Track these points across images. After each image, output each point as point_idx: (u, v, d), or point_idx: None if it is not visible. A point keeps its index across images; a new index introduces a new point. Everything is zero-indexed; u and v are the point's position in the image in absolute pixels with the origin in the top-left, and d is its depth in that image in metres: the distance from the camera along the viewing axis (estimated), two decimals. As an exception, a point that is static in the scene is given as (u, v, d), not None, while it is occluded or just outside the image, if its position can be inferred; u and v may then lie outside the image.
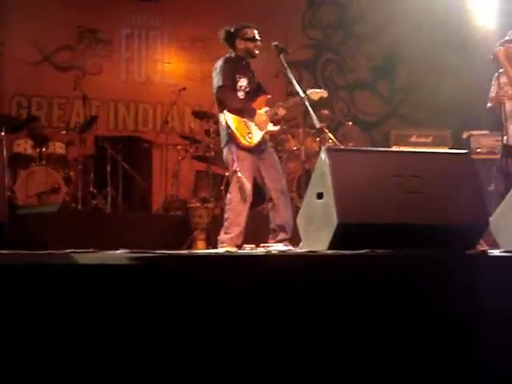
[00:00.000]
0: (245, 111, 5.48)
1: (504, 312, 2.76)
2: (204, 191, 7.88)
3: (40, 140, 8.13)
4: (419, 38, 10.34)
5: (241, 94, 5.53)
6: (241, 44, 5.63)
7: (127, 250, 2.68)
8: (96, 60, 9.84)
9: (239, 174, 5.34)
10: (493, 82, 6.20)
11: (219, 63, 5.54)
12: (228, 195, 5.53)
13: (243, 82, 5.55)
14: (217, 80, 5.47)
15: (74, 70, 9.57)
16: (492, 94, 6.22)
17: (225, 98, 5.44)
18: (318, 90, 5.67)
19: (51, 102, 9.66)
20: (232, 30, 5.66)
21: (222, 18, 8.64)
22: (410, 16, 9.88)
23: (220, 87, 5.43)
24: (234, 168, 5.35)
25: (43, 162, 7.86)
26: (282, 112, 5.64)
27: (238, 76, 5.53)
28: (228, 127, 5.39)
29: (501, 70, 6.12)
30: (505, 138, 6.02)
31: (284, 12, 10.14)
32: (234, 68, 5.54)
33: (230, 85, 5.47)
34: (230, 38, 5.65)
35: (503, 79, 6.11)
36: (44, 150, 8.00)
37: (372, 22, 10.61)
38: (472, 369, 2.71)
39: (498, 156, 6.16)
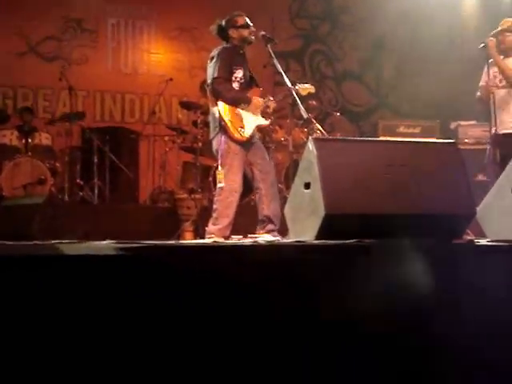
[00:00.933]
0: (241, 100, 5.46)
1: (489, 301, 2.77)
2: (191, 182, 7.87)
3: (27, 131, 8.08)
4: (406, 28, 10.36)
5: (236, 86, 5.49)
6: (234, 33, 5.57)
7: (114, 241, 2.67)
8: (82, 50, 9.77)
9: (237, 165, 5.34)
10: (484, 71, 6.21)
11: (215, 53, 5.48)
12: (217, 186, 5.51)
13: (239, 74, 5.52)
14: (212, 70, 5.41)
15: (60, 60, 9.51)
16: (482, 83, 6.24)
17: (221, 89, 5.38)
18: (306, 86, 5.65)
19: (37, 93, 9.61)
20: (223, 22, 5.61)
21: (209, 8, 8.64)
22: (397, 6, 9.88)
23: (216, 78, 5.37)
24: (231, 159, 5.34)
25: (29, 154, 7.81)
26: (272, 106, 5.64)
27: (234, 67, 5.49)
28: (222, 119, 5.36)
29: (490, 60, 6.14)
30: (493, 128, 6.04)
31: (271, 2, 10.13)
32: (231, 58, 5.49)
33: (226, 76, 5.42)
34: (223, 31, 5.59)
35: (493, 69, 6.14)
36: (30, 141, 7.95)
37: (359, 13, 10.60)
38: (455, 356, 2.72)
39: (487, 146, 6.19)
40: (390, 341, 2.65)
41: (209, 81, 5.46)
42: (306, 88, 5.62)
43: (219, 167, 5.37)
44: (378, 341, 2.63)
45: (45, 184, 7.70)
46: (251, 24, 5.61)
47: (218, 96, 5.41)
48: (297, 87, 5.52)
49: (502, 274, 2.83)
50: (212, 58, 5.48)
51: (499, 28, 6.15)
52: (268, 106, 5.60)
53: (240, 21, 5.60)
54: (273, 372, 2.50)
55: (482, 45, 6.10)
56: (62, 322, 2.25)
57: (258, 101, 5.52)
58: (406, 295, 2.68)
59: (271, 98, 5.64)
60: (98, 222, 6.93)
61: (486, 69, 6.17)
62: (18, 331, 2.22)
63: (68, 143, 8.33)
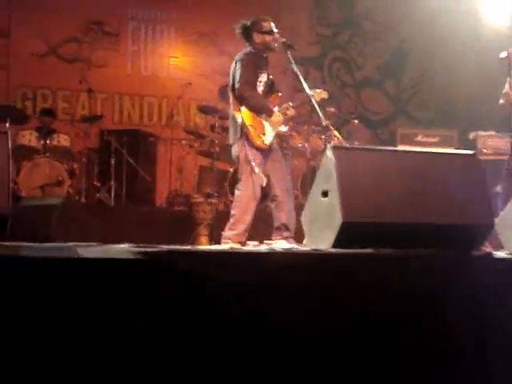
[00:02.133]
0: (264, 110, 5.44)
1: (508, 312, 2.75)
2: (208, 187, 7.87)
3: (46, 132, 8.12)
4: (427, 38, 10.32)
5: (260, 90, 5.48)
6: (258, 38, 5.54)
7: (131, 244, 2.67)
8: (102, 53, 9.82)
9: (256, 170, 5.31)
10: (508, 80, 6.16)
11: (240, 57, 5.44)
12: (236, 191, 5.49)
13: (263, 78, 5.50)
14: (238, 75, 5.36)
15: (80, 62, 9.55)
16: (505, 90, 6.18)
17: (247, 96, 5.35)
18: (318, 91, 5.61)
19: (56, 94, 9.65)
20: (248, 23, 5.56)
21: (229, 12, 8.65)
22: (417, 15, 9.85)
23: (243, 84, 5.33)
24: (252, 165, 5.31)
25: (47, 154, 7.84)
26: (291, 112, 5.61)
27: (259, 71, 5.47)
28: (244, 125, 5.34)
29: None
30: None
31: (292, 9, 10.12)
32: (257, 62, 5.46)
33: (252, 81, 5.39)
34: (247, 32, 5.54)
35: None
36: (48, 142, 7.97)
37: (380, 20, 10.58)
38: (480, 368, 2.70)
39: (506, 157, 6.13)
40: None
41: (236, 86, 5.40)
42: (319, 93, 5.59)
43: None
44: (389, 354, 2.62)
45: (62, 185, 7.73)
46: (276, 30, 5.58)
47: (243, 102, 5.37)
48: (311, 92, 5.49)
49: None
50: (237, 62, 5.44)
51: None
52: (286, 113, 5.58)
53: (266, 26, 5.54)
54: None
55: (504, 54, 6.05)
56: (78, 324, 2.25)
57: (278, 117, 5.49)
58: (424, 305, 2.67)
59: (291, 104, 5.62)
60: (114, 223, 6.94)
61: (509, 77, 6.11)
62: (33, 331, 2.23)
63: (86, 145, 8.37)
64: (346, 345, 2.61)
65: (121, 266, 2.38)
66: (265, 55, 5.58)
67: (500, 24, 9.14)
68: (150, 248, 2.50)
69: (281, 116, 5.50)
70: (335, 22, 10.90)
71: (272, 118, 5.45)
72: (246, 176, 5.38)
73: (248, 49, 5.53)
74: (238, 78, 5.37)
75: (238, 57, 5.48)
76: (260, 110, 5.41)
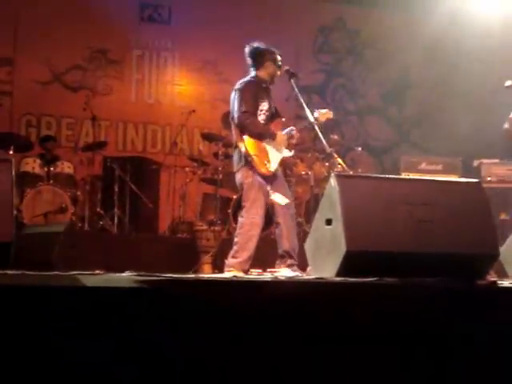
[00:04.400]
0: (266, 135, 5.45)
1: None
2: (211, 214, 7.86)
3: (49, 159, 8.14)
4: (429, 65, 10.37)
5: (261, 118, 5.50)
6: (270, 68, 5.58)
7: (134, 273, 2.66)
8: (106, 80, 9.88)
9: (262, 199, 5.32)
10: None
11: (240, 86, 5.47)
12: (240, 219, 5.48)
13: (265, 106, 5.52)
14: (238, 104, 5.40)
15: (84, 90, 9.61)
16: (511, 115, 6.19)
17: (247, 124, 5.37)
18: (323, 111, 5.62)
19: (60, 122, 9.69)
20: (264, 48, 5.61)
21: (233, 41, 8.70)
22: (420, 43, 9.89)
23: (243, 113, 5.36)
24: (257, 193, 5.32)
25: (51, 182, 7.85)
26: (296, 136, 5.63)
27: (260, 100, 5.50)
28: (248, 154, 5.35)
29: None
30: None
31: (295, 37, 10.19)
32: (257, 91, 5.49)
33: (252, 110, 5.41)
34: (261, 57, 5.59)
35: None
36: (52, 169, 7.99)
37: (382, 48, 10.64)
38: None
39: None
40: None
41: (235, 115, 5.42)
42: (324, 114, 5.59)
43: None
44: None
45: (65, 212, 7.73)
46: (281, 65, 5.62)
47: (244, 130, 5.39)
48: (315, 114, 5.50)
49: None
50: (236, 91, 5.47)
51: None
52: (292, 137, 5.59)
53: (278, 59, 5.61)
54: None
55: (510, 83, 6.07)
56: (82, 354, 2.23)
57: (282, 137, 5.51)
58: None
59: (293, 129, 5.63)
60: (117, 251, 6.93)
61: None
62: (35, 362, 2.21)
63: (89, 172, 8.37)
64: (351, 371, 2.58)
65: (123, 294, 2.37)
66: (264, 85, 5.60)
67: (505, 50, 9.17)
68: (152, 277, 2.49)
69: (285, 135, 5.51)
70: (338, 50, 10.97)
71: (276, 139, 5.46)
72: (249, 203, 5.37)
73: (248, 78, 5.56)
74: (237, 107, 5.39)
75: (237, 86, 5.51)
76: (262, 135, 5.42)
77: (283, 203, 5.37)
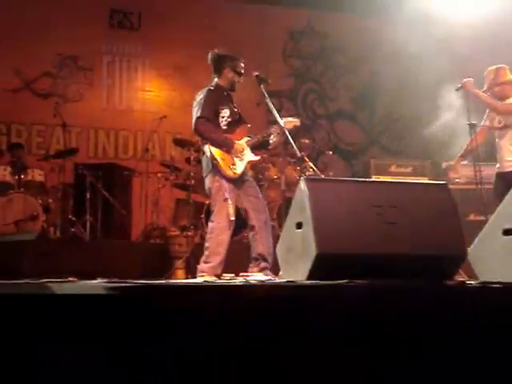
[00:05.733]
0: (222, 144, 5.46)
1: (480, 343, 2.76)
2: (184, 219, 7.86)
3: (20, 167, 8.08)
4: (398, 69, 10.46)
5: (223, 125, 5.52)
6: (229, 74, 5.61)
7: (105, 280, 2.67)
8: (77, 87, 9.84)
9: (229, 202, 5.33)
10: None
11: (201, 95, 5.50)
12: (210, 224, 5.50)
13: (226, 113, 5.54)
14: (196, 111, 5.43)
15: (55, 97, 9.57)
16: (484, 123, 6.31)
17: (203, 130, 5.42)
18: (291, 119, 5.66)
19: (31, 129, 9.63)
20: (224, 55, 5.64)
21: (203, 46, 8.68)
22: (387, 47, 9.98)
23: (198, 118, 5.39)
24: (225, 196, 5.34)
25: (22, 190, 7.80)
26: (277, 138, 5.65)
27: (220, 107, 5.52)
28: (214, 158, 5.38)
29: None
30: (497, 165, 6.13)
31: (265, 42, 10.24)
32: (217, 99, 5.51)
33: (209, 116, 5.43)
34: (220, 64, 5.62)
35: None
36: (23, 177, 7.94)
37: (352, 53, 10.73)
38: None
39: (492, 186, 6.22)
40: None
41: (192, 121, 5.46)
42: (291, 122, 5.63)
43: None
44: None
45: (37, 220, 7.68)
46: (243, 72, 5.65)
47: (200, 136, 5.47)
48: (283, 121, 5.53)
49: (493, 315, 2.83)
50: (196, 99, 5.52)
51: (485, 86, 6.23)
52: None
53: (239, 67, 5.62)
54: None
55: (459, 86, 6.16)
56: (51, 362, 2.23)
57: (239, 145, 5.53)
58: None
59: (249, 138, 5.64)
60: (89, 258, 6.89)
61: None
62: (7, 371, 2.20)
63: (61, 179, 8.33)
64: (321, 372, 2.60)
65: (94, 302, 2.37)
66: (225, 93, 5.63)
67: (465, 52, 9.29)
68: (123, 283, 2.50)
69: (243, 144, 5.54)
70: (308, 55, 11.03)
71: (234, 148, 5.47)
72: (218, 208, 5.40)
73: (207, 87, 5.57)
74: (195, 113, 5.43)
75: (198, 95, 5.54)
76: (218, 144, 5.44)
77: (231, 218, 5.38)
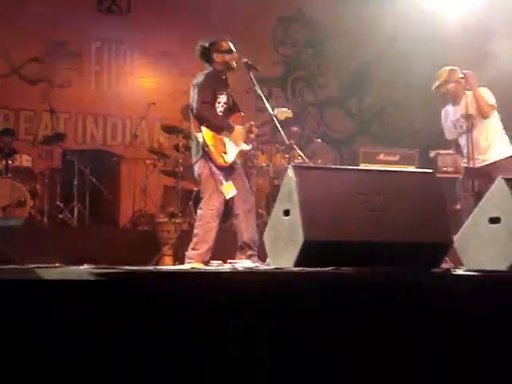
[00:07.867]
0: (225, 128, 5.47)
1: (466, 330, 2.78)
2: (172, 206, 7.87)
3: (7, 153, 8.05)
4: (388, 58, 10.47)
5: (220, 110, 5.52)
6: (218, 57, 5.59)
7: (91, 266, 2.67)
8: (65, 73, 9.78)
9: (225, 183, 5.34)
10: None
11: (199, 79, 5.49)
12: (198, 211, 5.51)
13: (223, 99, 5.54)
14: (197, 96, 5.42)
15: (43, 82, 9.52)
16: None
17: (206, 115, 5.40)
18: (283, 110, 5.67)
19: (19, 115, 9.58)
20: (207, 44, 5.63)
21: (191, 33, 8.68)
22: (379, 35, 9.99)
23: (202, 103, 5.38)
24: (220, 180, 5.34)
25: (9, 175, 7.77)
26: (255, 131, 5.66)
27: (218, 92, 5.51)
28: (205, 144, 5.37)
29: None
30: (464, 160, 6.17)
31: (254, 29, 10.20)
32: (215, 84, 5.52)
33: (210, 101, 5.43)
34: (207, 53, 5.61)
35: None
36: (10, 162, 7.91)
37: (342, 41, 10.71)
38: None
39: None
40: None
41: (194, 105, 5.44)
42: (284, 112, 5.64)
43: (201, 191, 5.36)
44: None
45: (24, 206, 7.66)
46: (234, 49, 5.64)
47: (203, 121, 5.42)
48: (275, 111, 5.54)
49: (478, 302, 2.85)
50: (195, 83, 5.50)
51: (437, 82, 6.26)
52: (251, 131, 5.62)
53: (224, 45, 5.61)
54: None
55: (461, 75, 6.16)
56: (34, 349, 2.23)
57: (239, 131, 5.53)
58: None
59: (253, 123, 5.66)
60: (77, 244, 6.89)
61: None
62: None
63: (48, 165, 8.30)
64: (308, 360, 2.62)
65: (81, 288, 2.37)
66: (224, 76, 5.63)
67: (458, 45, 9.31)
68: (110, 269, 2.50)
69: (242, 130, 5.54)
70: (298, 42, 11.01)
71: (233, 133, 5.48)
72: (207, 195, 5.41)
73: (206, 70, 5.57)
74: (195, 99, 5.41)
75: (195, 80, 5.53)
76: (220, 128, 5.45)
77: (228, 196, 5.39)
